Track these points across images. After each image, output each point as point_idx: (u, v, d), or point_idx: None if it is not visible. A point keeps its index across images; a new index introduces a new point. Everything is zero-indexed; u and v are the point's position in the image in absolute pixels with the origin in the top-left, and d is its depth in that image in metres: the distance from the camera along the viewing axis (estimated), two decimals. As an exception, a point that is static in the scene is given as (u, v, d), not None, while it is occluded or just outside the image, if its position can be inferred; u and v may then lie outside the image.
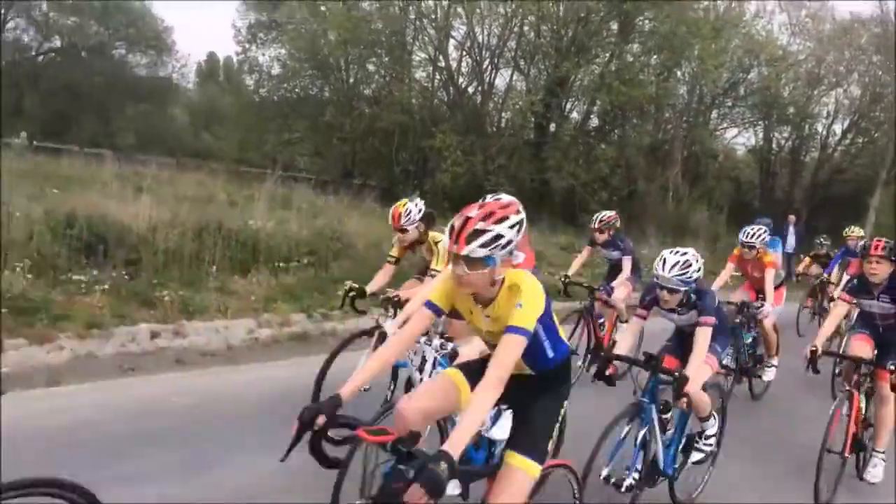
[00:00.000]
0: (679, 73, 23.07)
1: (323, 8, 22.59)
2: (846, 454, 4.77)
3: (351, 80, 25.03)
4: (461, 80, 23.02)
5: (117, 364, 6.11)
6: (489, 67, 22.42)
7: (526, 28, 21.67)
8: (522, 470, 2.74)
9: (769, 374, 7.26)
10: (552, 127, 22.35)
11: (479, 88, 22.79)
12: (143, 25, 28.35)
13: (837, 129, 28.27)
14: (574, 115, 23.61)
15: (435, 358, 4.40)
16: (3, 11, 26.21)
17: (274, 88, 25.83)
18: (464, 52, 22.53)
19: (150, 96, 29.88)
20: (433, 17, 21.82)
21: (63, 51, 27.94)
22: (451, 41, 22.37)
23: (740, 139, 29.81)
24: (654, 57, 22.25)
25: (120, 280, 7.65)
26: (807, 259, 12.81)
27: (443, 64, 22.45)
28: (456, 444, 2.31)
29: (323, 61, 23.99)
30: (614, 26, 21.74)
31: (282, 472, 3.04)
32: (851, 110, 27.43)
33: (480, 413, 2.49)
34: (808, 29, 27.14)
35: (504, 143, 20.88)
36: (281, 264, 9.40)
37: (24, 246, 7.54)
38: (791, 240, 17.70)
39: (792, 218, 18.46)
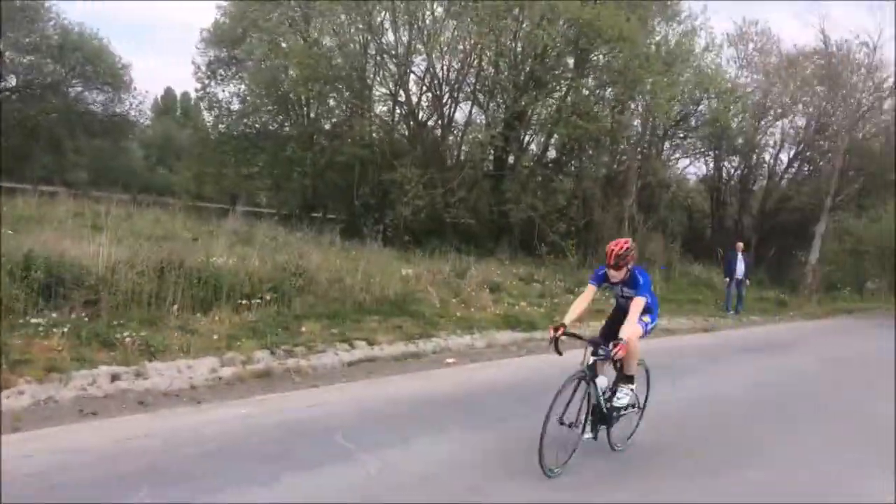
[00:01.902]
0: (633, 106, 23.63)
1: (284, 45, 22.73)
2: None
3: (312, 115, 25.19)
4: (421, 114, 23.31)
5: (78, 408, 6.08)
6: (449, 101, 22.74)
7: (485, 63, 22.06)
8: None
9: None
10: (511, 160, 22.69)
11: (439, 122, 23.07)
12: (101, 63, 28.15)
13: (784, 158, 29.21)
14: (532, 147, 24.03)
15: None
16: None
17: (234, 124, 25.86)
18: (424, 87, 22.85)
19: (104, 132, 29.59)
20: (394, 52, 22.13)
21: (18, 89, 27.58)
22: (412, 76, 22.68)
23: (692, 169, 30.63)
24: (609, 90, 22.81)
25: (79, 322, 7.61)
26: None
27: (403, 98, 22.73)
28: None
29: (283, 97, 24.13)
30: (570, 61, 22.24)
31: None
32: (797, 140, 28.36)
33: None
34: (755, 62, 28.10)
35: (464, 176, 21.13)
36: (243, 301, 9.42)
37: (-20, 289, 7.47)
38: (740, 266, 18.20)
39: (740, 245, 19.02)
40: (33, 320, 7.37)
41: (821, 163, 27.55)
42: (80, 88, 28.97)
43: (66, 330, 7.26)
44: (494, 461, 5.64)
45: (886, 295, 29.84)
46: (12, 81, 27.57)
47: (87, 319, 7.74)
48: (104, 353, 7.09)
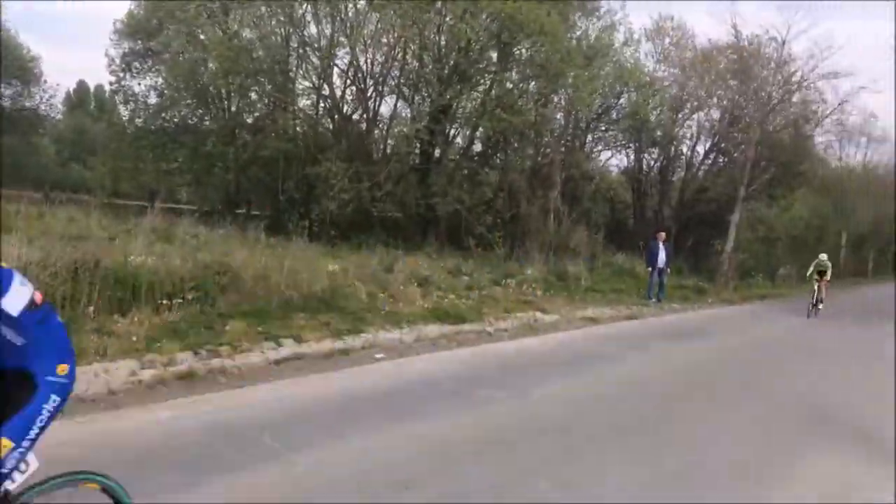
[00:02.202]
0: (556, 100, 24.00)
1: (202, 37, 22.13)
2: None
3: (233, 109, 24.66)
4: (346, 107, 23.09)
5: (-12, 417, 5.78)
6: (374, 95, 22.62)
7: (409, 57, 22.02)
8: None
9: None
10: (437, 153, 22.73)
11: (364, 116, 22.92)
12: (8, 55, 26.86)
13: (700, 150, 30.30)
14: (458, 141, 24.13)
15: None
16: None
17: (151, 118, 25.08)
18: (348, 80, 22.64)
19: (13, 128, 28.28)
20: (316, 45, 21.83)
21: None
22: (335, 69, 22.42)
23: (614, 161, 31.40)
24: (532, 84, 23.09)
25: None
26: None
27: (327, 92, 22.46)
28: None
29: (203, 90, 23.54)
30: (494, 55, 22.42)
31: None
32: (712, 132, 29.42)
33: None
34: (671, 56, 28.96)
35: (390, 169, 21.05)
36: (164, 301, 9.14)
37: None
38: (662, 256, 18.69)
39: (662, 235, 19.53)
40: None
41: (735, 154, 28.60)
42: (-15, 83, 27.65)
43: (-28, 336, 6.90)
44: (427, 455, 5.64)
45: (798, 281, 31.28)
46: None
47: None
48: (15, 359, 6.76)
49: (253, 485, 4.80)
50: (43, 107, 30.02)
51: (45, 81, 29.17)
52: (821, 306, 19.25)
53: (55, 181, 27.48)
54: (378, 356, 9.26)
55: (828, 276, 19.69)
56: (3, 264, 2.43)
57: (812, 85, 26.77)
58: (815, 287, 19.36)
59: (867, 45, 49.39)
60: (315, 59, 22.24)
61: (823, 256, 20.10)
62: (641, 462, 5.89)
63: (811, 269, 20.05)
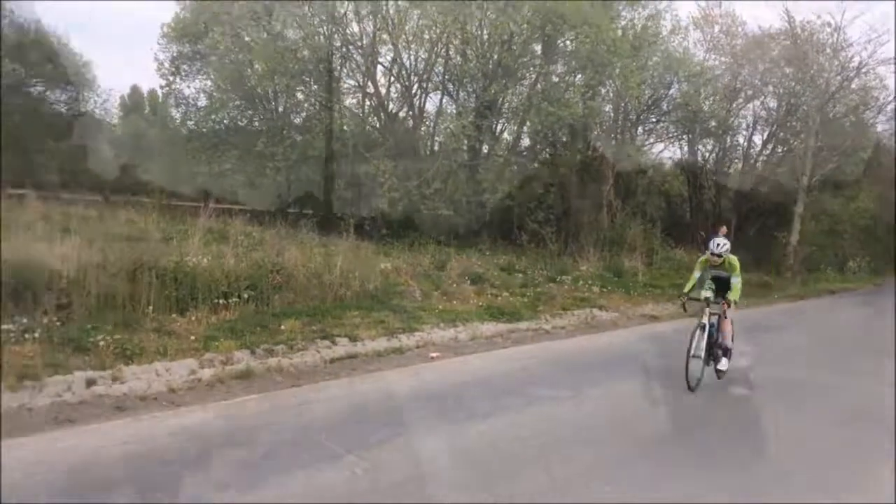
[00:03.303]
0: (603, 91, 23.55)
1: (247, 38, 22.32)
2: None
3: (280, 109, 24.85)
4: (391, 105, 23.05)
5: (53, 415, 5.84)
6: (418, 92, 22.51)
7: (452, 52, 21.85)
8: None
9: None
10: (485, 149, 22.53)
11: (410, 113, 22.84)
12: (62, 61, 27.51)
13: (757, 140, 29.41)
14: (506, 136, 23.87)
15: None
16: None
17: (202, 120, 25.40)
18: (392, 78, 22.59)
19: (71, 132, 28.97)
20: (359, 44, 21.83)
21: (-25, 91, 26.89)
22: (379, 67, 22.39)
23: (667, 153, 30.69)
24: (578, 76, 22.67)
25: (51, 326, 7.35)
26: None
27: (372, 90, 22.45)
28: None
29: (250, 91, 23.73)
30: (538, 48, 22.12)
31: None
32: (769, 121, 28.51)
33: None
34: (722, 45, 28.17)
35: (438, 166, 20.93)
36: (220, 300, 9.20)
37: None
38: (723, 249, 18.09)
39: (723, 228, 18.90)
40: (3, 326, 7.09)
41: (794, 143, 27.73)
42: (41, 88, 28.35)
43: (37, 335, 7.01)
44: (484, 456, 5.52)
45: (868, 274, 30.17)
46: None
47: (59, 324, 7.49)
48: (78, 358, 6.86)
49: (312, 485, 4.74)
50: (98, 111, 30.60)
51: (99, 86, 29.70)
52: (725, 363, 8.86)
53: (114, 185, 28.02)
54: (433, 355, 9.16)
55: (736, 294, 8.98)
56: None
57: (872, 71, 25.82)
58: (706, 317, 8.63)
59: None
60: (359, 58, 22.23)
61: (722, 243, 9.48)
62: (702, 464, 5.67)
63: (695, 273, 9.57)
